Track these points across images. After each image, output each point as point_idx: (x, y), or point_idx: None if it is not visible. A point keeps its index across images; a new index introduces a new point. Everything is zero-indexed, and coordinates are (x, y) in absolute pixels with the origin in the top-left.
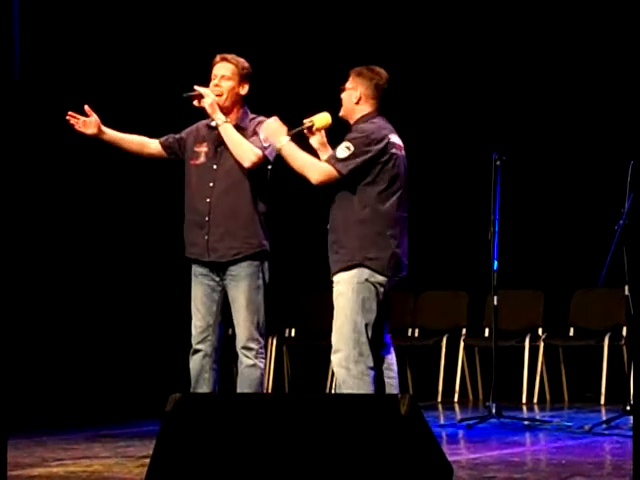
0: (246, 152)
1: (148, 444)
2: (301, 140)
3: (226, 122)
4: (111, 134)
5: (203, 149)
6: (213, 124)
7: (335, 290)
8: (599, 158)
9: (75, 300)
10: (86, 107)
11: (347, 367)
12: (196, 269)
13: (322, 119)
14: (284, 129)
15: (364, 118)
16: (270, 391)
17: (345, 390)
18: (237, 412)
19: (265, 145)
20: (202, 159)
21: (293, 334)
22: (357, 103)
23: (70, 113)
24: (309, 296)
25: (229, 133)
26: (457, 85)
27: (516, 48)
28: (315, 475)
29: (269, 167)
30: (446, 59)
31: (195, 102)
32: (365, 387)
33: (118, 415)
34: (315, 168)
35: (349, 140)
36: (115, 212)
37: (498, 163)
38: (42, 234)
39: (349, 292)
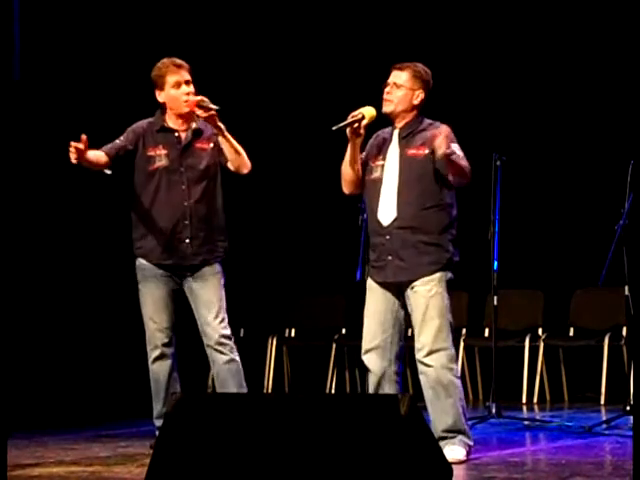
0: (246, 159)
1: (148, 444)
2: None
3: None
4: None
5: (161, 152)
6: (175, 126)
7: (426, 290)
8: (599, 158)
9: (75, 300)
10: (84, 137)
11: (450, 367)
12: (155, 271)
13: (370, 112)
14: None
15: (419, 120)
16: (270, 391)
17: (452, 390)
18: (237, 412)
19: None
20: (164, 162)
21: (293, 334)
22: (418, 105)
23: (75, 146)
24: (309, 296)
25: (233, 141)
26: (457, 85)
27: (516, 48)
28: (315, 475)
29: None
30: (446, 59)
31: (201, 112)
32: (460, 386)
33: (118, 415)
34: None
35: (452, 141)
36: (115, 210)
37: (498, 163)
38: (43, 234)
39: (443, 292)
